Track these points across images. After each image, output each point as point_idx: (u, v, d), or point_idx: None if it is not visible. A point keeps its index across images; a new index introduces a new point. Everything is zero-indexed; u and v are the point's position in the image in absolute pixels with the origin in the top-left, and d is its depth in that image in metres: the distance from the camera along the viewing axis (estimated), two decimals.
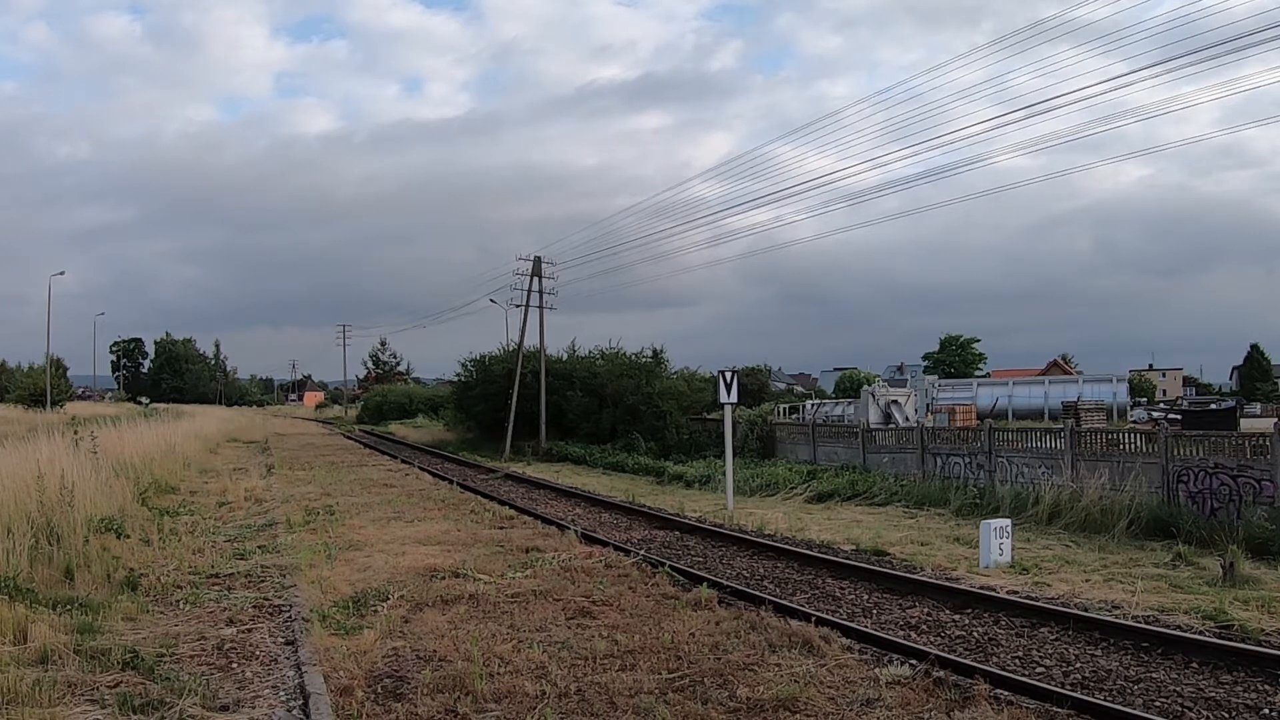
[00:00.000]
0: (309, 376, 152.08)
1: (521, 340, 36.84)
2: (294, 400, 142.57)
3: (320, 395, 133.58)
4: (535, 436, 35.25)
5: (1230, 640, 8.09)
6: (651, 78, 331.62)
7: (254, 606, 9.04)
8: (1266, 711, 6.48)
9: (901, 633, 8.74)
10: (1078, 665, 7.68)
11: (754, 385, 42.23)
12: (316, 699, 6.17)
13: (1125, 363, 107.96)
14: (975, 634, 8.74)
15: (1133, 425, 32.09)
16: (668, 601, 9.46)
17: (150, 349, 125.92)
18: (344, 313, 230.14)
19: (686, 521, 16.34)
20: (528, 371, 36.33)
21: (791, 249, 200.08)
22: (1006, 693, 6.70)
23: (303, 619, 8.41)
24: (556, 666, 7.17)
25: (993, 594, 10.10)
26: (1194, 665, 7.59)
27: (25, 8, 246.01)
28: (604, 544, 13.16)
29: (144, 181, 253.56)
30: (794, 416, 35.33)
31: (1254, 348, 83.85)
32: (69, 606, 8.19)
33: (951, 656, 7.58)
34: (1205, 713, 6.49)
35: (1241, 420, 36.50)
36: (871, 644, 8.07)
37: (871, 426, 25.85)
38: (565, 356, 39.05)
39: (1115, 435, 17.02)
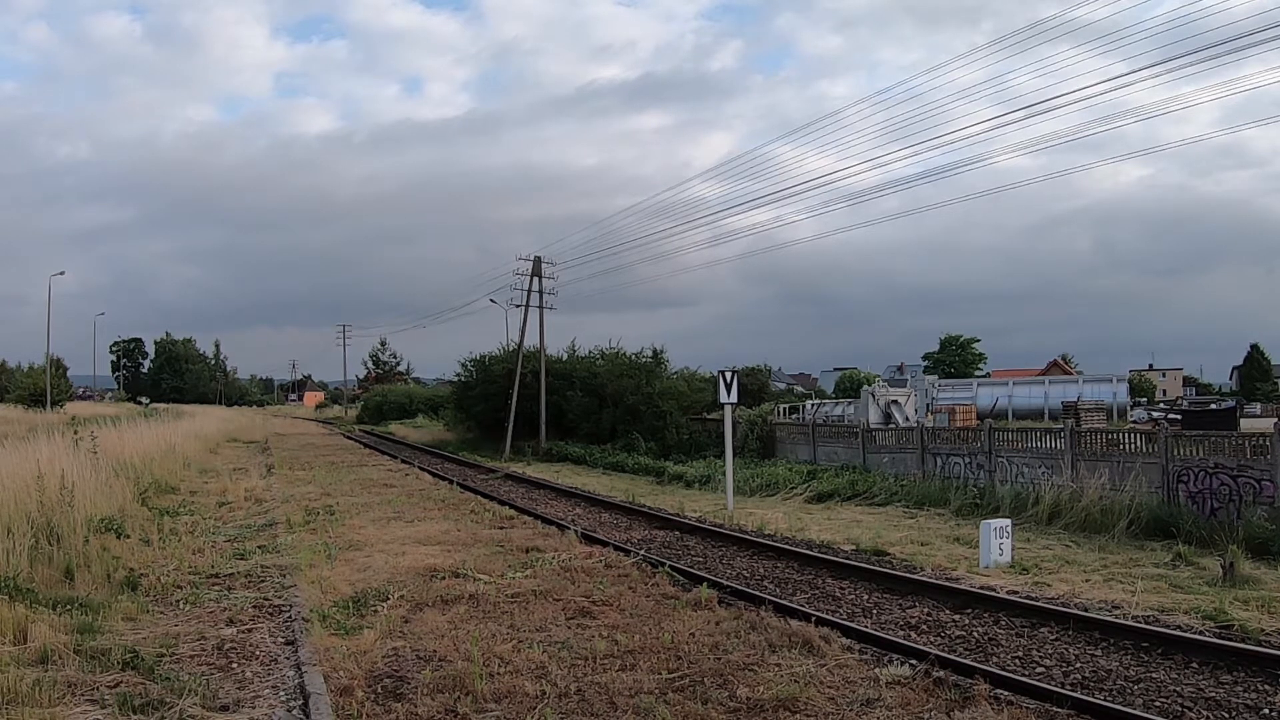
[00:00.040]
0: (309, 376, 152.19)
1: (521, 340, 36.89)
2: (294, 400, 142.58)
3: (320, 395, 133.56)
4: (535, 436, 35.25)
5: (1230, 640, 8.09)
6: (651, 78, 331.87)
7: (254, 606, 9.04)
8: (1266, 711, 6.48)
9: (901, 633, 8.74)
10: (1078, 665, 7.68)
11: (754, 385, 42.24)
12: (316, 699, 6.17)
13: (1125, 363, 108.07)
14: (975, 634, 8.74)
15: (1133, 425, 32.09)
16: (668, 601, 9.46)
17: (150, 349, 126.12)
18: (344, 313, 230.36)
19: (686, 521, 16.34)
20: (528, 371, 36.33)
21: (791, 249, 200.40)
22: (1006, 693, 6.70)
23: (303, 619, 8.41)
24: (556, 666, 7.17)
25: (993, 594, 10.10)
26: (1194, 665, 7.59)
27: (25, 8, 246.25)
28: (604, 544, 13.16)
29: (144, 181, 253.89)
30: (794, 416, 35.33)
31: (1254, 348, 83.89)
32: (69, 606, 8.19)
33: (951, 656, 7.58)
34: (1205, 713, 6.49)
35: (1241, 420, 36.50)
36: (871, 644, 8.07)
37: (871, 426, 25.85)
38: (565, 356, 39.05)
39: (1115, 435, 17.02)
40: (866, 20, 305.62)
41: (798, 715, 6.20)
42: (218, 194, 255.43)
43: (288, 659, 7.31)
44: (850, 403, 41.34)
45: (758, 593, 10.13)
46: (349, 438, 50.93)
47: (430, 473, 26.17)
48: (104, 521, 11.54)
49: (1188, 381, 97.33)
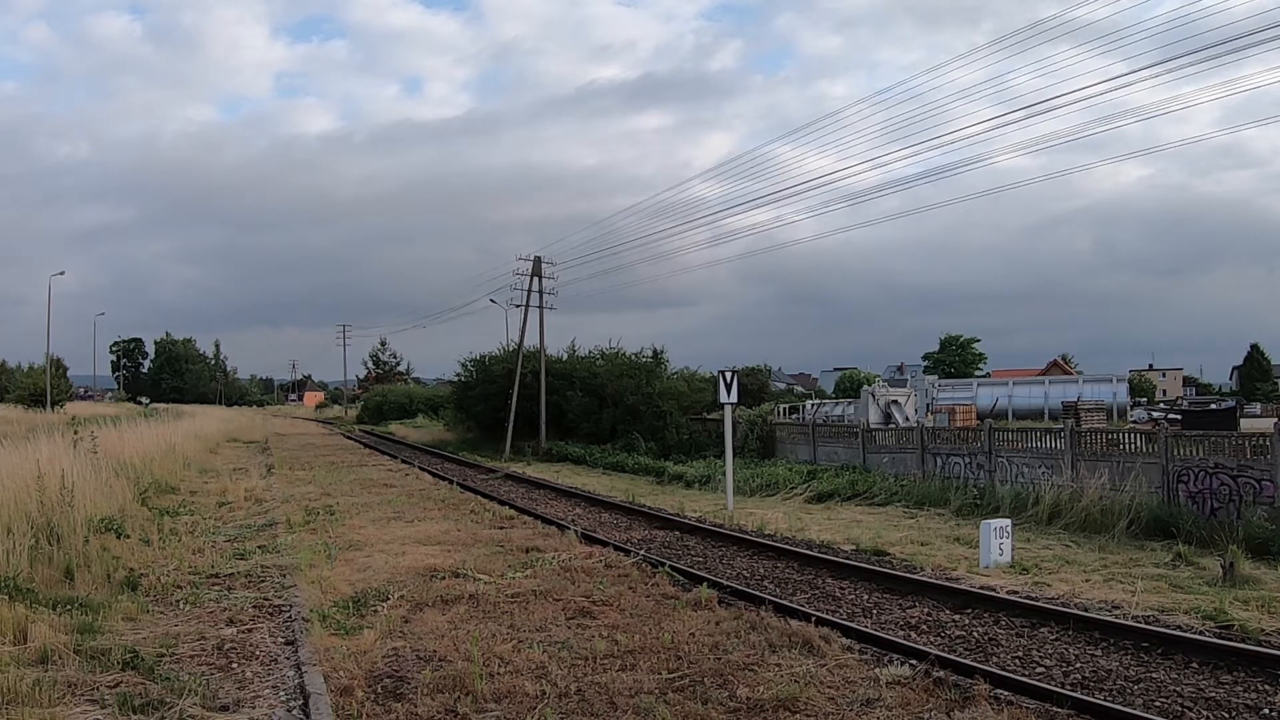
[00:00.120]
0: (309, 376, 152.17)
1: (521, 340, 36.89)
2: (294, 400, 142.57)
3: (320, 395, 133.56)
4: (535, 436, 35.25)
5: (1230, 640, 8.09)
6: (651, 78, 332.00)
7: (254, 606, 9.04)
8: (1266, 711, 6.48)
9: (901, 633, 8.74)
10: (1078, 665, 7.67)
11: (754, 385, 42.23)
12: (316, 699, 6.17)
13: (1125, 363, 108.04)
14: (975, 634, 8.73)
15: (1133, 425, 32.09)
16: (668, 601, 9.46)
17: (150, 349, 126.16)
18: (344, 313, 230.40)
19: (686, 521, 16.34)
20: (528, 371, 36.33)
21: (791, 249, 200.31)
22: (1006, 693, 6.70)
23: (303, 619, 8.41)
24: (556, 666, 7.17)
25: (993, 594, 10.10)
26: (1194, 665, 7.59)
27: (25, 8, 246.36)
28: (604, 544, 13.16)
29: (144, 181, 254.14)
30: (794, 416, 35.33)
31: (1254, 348, 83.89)
32: (69, 606, 8.19)
33: (951, 656, 7.58)
34: (1205, 713, 6.48)
35: (1241, 420, 36.49)
36: (871, 644, 8.07)
37: (871, 426, 25.84)
38: (565, 356, 39.05)
39: (1115, 435, 17.02)
40: (866, 20, 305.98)
41: (798, 715, 6.20)
42: (218, 194, 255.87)
43: (288, 659, 7.31)
44: (850, 403, 41.33)
45: (758, 593, 10.13)
46: (349, 438, 50.92)
47: (430, 473, 26.17)
48: (104, 521, 11.53)
49: (1188, 381, 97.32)
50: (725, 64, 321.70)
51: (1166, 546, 12.54)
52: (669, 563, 11.53)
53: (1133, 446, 15.80)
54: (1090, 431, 18.18)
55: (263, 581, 10.30)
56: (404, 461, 30.79)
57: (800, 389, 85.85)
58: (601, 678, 6.88)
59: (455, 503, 18.66)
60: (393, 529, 14.57)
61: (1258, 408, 55.26)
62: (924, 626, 9.04)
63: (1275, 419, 25.28)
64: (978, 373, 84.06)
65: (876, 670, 7.17)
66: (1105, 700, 6.63)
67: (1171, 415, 37.51)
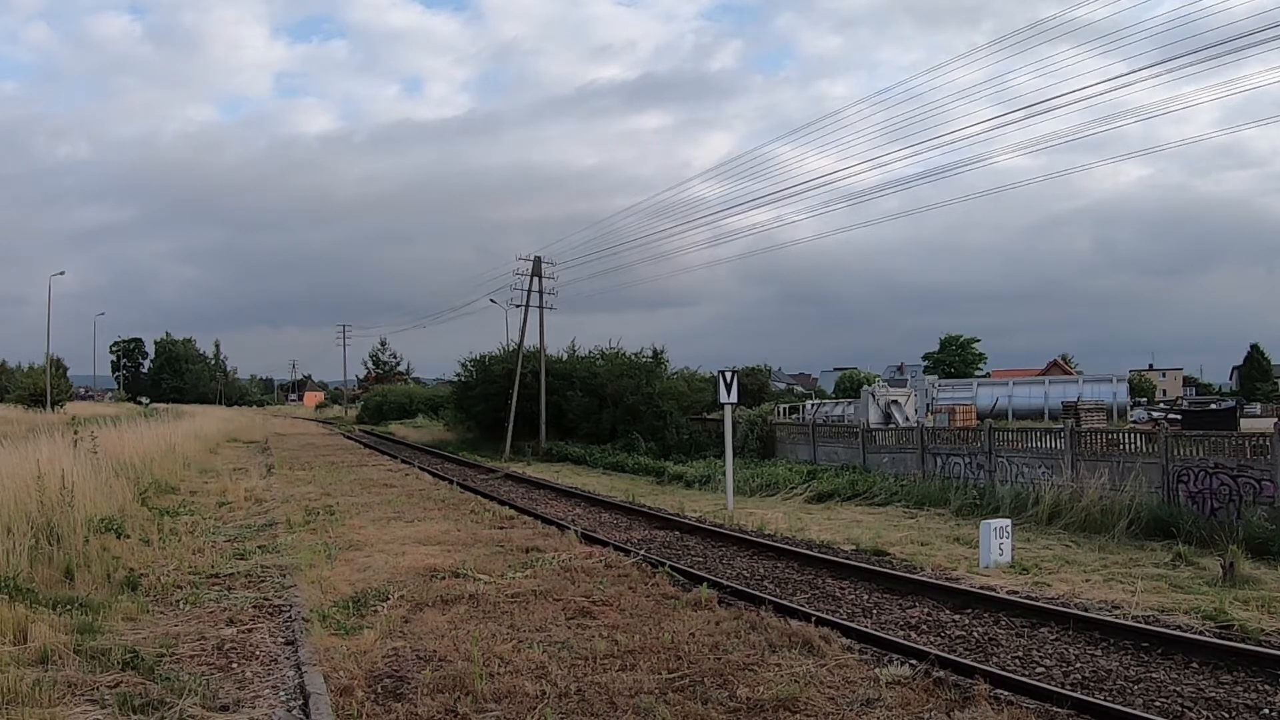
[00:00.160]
0: (309, 376, 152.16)
1: (521, 340, 36.89)
2: (294, 400, 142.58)
3: (320, 395, 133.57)
4: (535, 436, 35.25)
5: (1230, 640, 8.09)
6: (651, 78, 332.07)
7: (254, 606, 9.04)
8: (1266, 711, 6.48)
9: (901, 633, 8.74)
10: (1078, 665, 7.67)
11: (754, 385, 42.23)
12: (316, 699, 6.16)
13: (1125, 363, 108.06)
14: (975, 634, 8.73)
15: (1133, 425, 32.08)
16: (668, 601, 9.46)
17: (150, 349, 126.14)
18: (344, 313, 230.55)
19: (686, 521, 16.34)
20: (528, 371, 36.33)
21: (791, 249, 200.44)
22: (1006, 693, 6.70)
23: (303, 619, 8.41)
24: (556, 666, 7.17)
25: (993, 594, 10.10)
26: (1194, 665, 7.59)
27: (25, 8, 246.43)
28: (604, 544, 13.16)
29: (144, 181, 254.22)
30: (794, 416, 35.33)
31: (1254, 348, 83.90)
32: (69, 606, 8.19)
33: (951, 656, 7.58)
34: (1205, 713, 6.48)
35: (1241, 420, 36.49)
36: (871, 644, 8.07)
37: (871, 426, 25.84)
38: (565, 356, 39.05)
39: (1115, 435, 17.02)
40: (866, 20, 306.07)
41: (798, 715, 6.20)
42: (218, 194, 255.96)
43: (288, 659, 7.31)
44: (850, 403, 41.33)
45: (758, 593, 10.13)
46: (349, 438, 50.93)
47: (430, 473, 26.17)
48: (104, 521, 11.53)
49: (1188, 381, 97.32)
50: (725, 64, 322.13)
51: (1166, 546, 12.54)
52: (669, 563, 11.53)
53: (1133, 446, 15.80)
54: (1090, 431, 18.18)
55: (263, 581, 10.30)
56: (404, 461, 30.79)
57: (800, 389, 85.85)
58: (601, 678, 6.88)
59: (455, 503, 18.66)
60: (393, 529, 14.57)
61: (1258, 408, 55.27)
62: (924, 626, 9.04)
63: (1275, 419, 25.28)
64: (978, 373, 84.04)
65: (876, 670, 7.17)
66: (1105, 700, 6.63)
67: (1171, 415, 37.50)
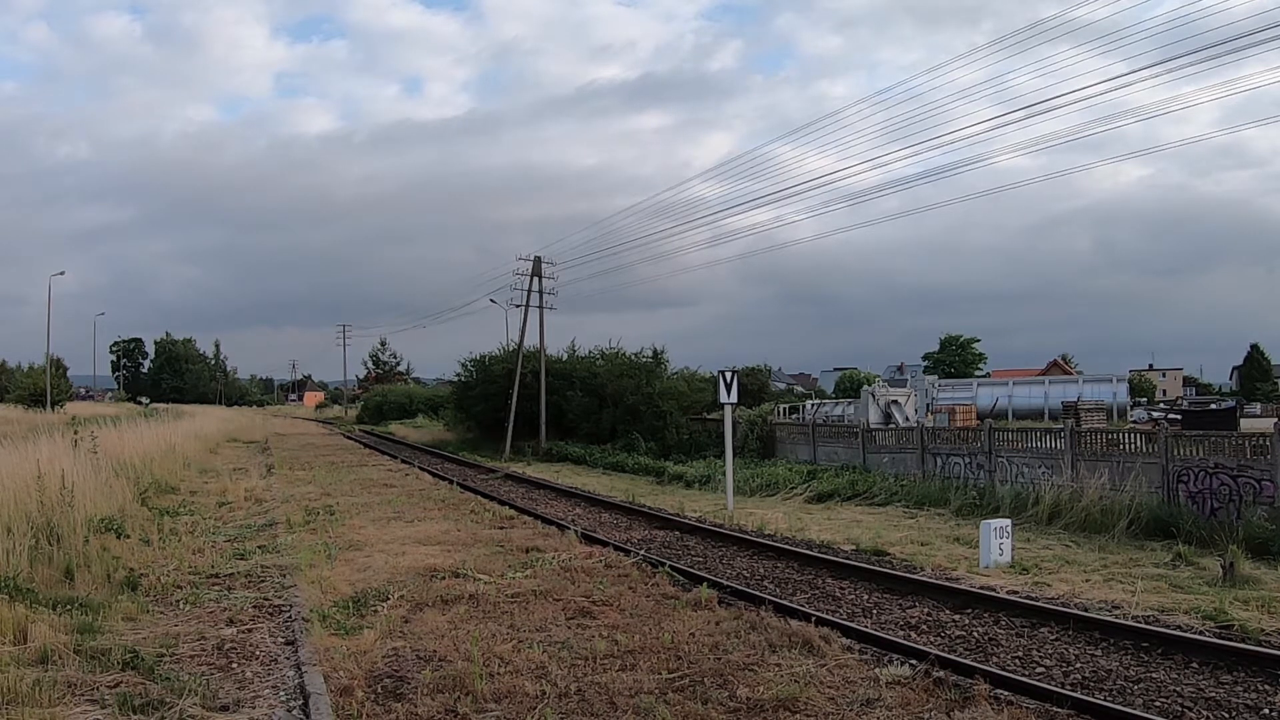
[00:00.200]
0: (309, 376, 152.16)
1: (521, 340, 36.89)
2: (294, 400, 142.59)
3: (320, 395, 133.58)
4: (535, 436, 35.25)
5: (1230, 640, 8.09)
6: (651, 78, 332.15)
7: (254, 606, 9.04)
8: (1266, 711, 6.48)
9: (901, 633, 8.74)
10: (1078, 665, 7.67)
11: (754, 385, 42.21)
12: (316, 699, 6.16)
13: (1125, 363, 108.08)
14: (975, 634, 8.73)
15: (1133, 425, 32.08)
16: (668, 601, 9.46)
17: (150, 349, 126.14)
18: (344, 313, 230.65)
19: (686, 521, 16.34)
20: (528, 371, 36.33)
21: (791, 249, 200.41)
22: (1006, 693, 6.70)
23: (303, 619, 8.41)
24: (556, 666, 7.17)
25: (993, 594, 10.10)
26: (1194, 665, 7.59)
27: (25, 8, 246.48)
28: (604, 544, 13.16)
29: (144, 181, 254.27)
30: (794, 416, 35.32)
31: (1254, 348, 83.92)
32: (69, 606, 8.19)
33: (951, 656, 7.58)
34: (1205, 713, 6.48)
35: (1241, 420, 36.49)
36: (871, 644, 8.07)
37: (871, 426, 25.84)
38: (565, 356, 39.05)
39: (1115, 435, 17.02)
40: (866, 20, 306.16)
41: (798, 715, 6.20)
42: (218, 194, 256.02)
43: (288, 659, 7.31)
44: (850, 403, 41.33)
45: (758, 593, 10.13)
46: (349, 438, 50.93)
47: (430, 473, 26.17)
48: (104, 521, 11.54)
49: (1188, 381, 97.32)
50: (725, 64, 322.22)
51: (1166, 546, 12.54)
52: (669, 563, 11.53)
53: (1133, 446, 15.80)
54: (1090, 431, 18.18)
55: (263, 581, 10.30)
56: (404, 461, 30.79)
57: (800, 389, 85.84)
58: (601, 678, 6.88)
59: (455, 503, 18.66)
60: (393, 529, 14.57)
61: (1258, 408, 55.28)
62: (924, 626, 9.04)
63: (1275, 419, 25.28)
64: (978, 373, 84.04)
65: (876, 670, 7.17)
66: (1105, 700, 6.63)
67: (1171, 415, 37.51)
